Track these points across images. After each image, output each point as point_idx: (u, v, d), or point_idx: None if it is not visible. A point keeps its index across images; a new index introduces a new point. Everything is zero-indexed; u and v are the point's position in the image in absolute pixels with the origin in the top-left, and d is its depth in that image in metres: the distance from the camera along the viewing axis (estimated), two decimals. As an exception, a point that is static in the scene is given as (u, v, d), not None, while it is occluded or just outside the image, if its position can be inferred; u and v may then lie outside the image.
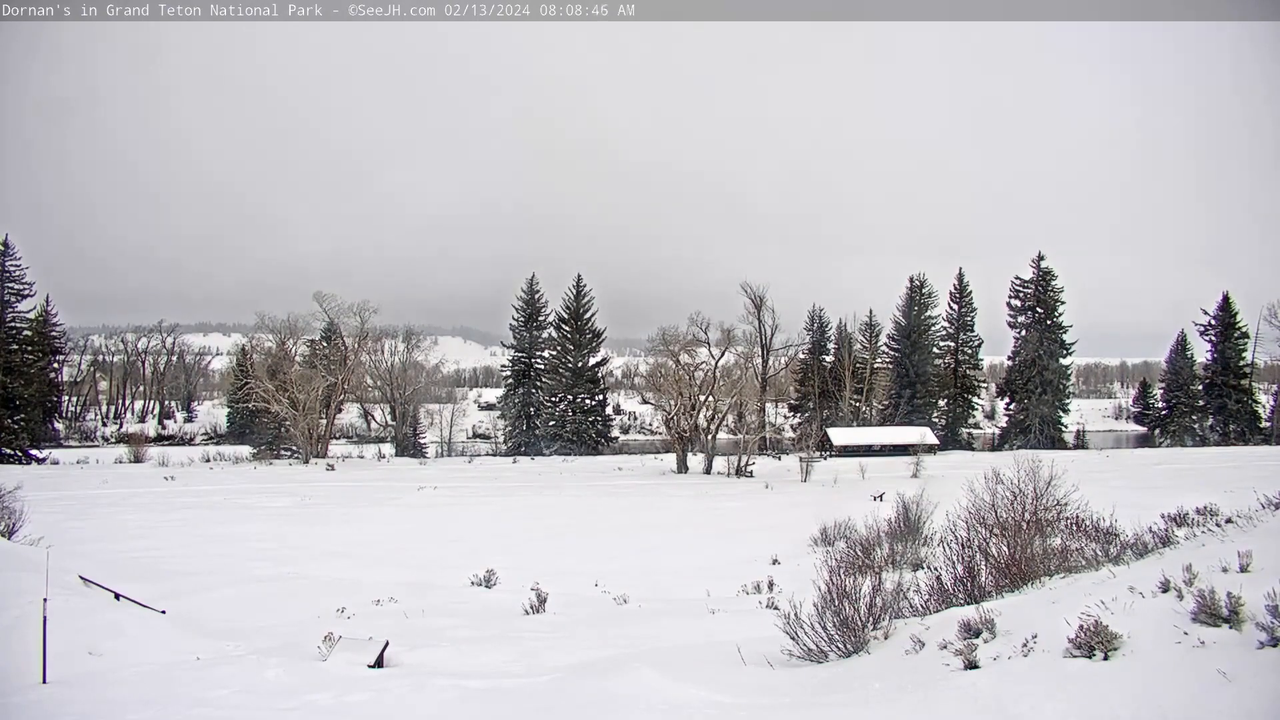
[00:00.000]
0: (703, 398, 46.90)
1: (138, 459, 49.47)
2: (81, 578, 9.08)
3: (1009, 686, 4.58)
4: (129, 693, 6.04)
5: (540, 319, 67.15)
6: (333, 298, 60.35)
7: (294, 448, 54.23)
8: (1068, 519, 11.21)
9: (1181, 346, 66.29)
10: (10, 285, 52.50)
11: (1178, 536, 7.70)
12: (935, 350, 67.34)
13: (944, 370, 67.00)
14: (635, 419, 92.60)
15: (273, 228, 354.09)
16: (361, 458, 56.52)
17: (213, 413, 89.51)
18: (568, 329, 65.94)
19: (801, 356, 68.33)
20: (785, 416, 73.07)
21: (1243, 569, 4.92)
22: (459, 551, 18.00)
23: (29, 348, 54.07)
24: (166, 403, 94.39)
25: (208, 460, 49.87)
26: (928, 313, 67.52)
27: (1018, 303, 65.01)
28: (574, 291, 66.62)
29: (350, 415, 74.27)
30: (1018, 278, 65.09)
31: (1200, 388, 64.84)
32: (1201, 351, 65.25)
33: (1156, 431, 68.69)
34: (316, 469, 45.29)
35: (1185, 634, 4.32)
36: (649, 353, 61.36)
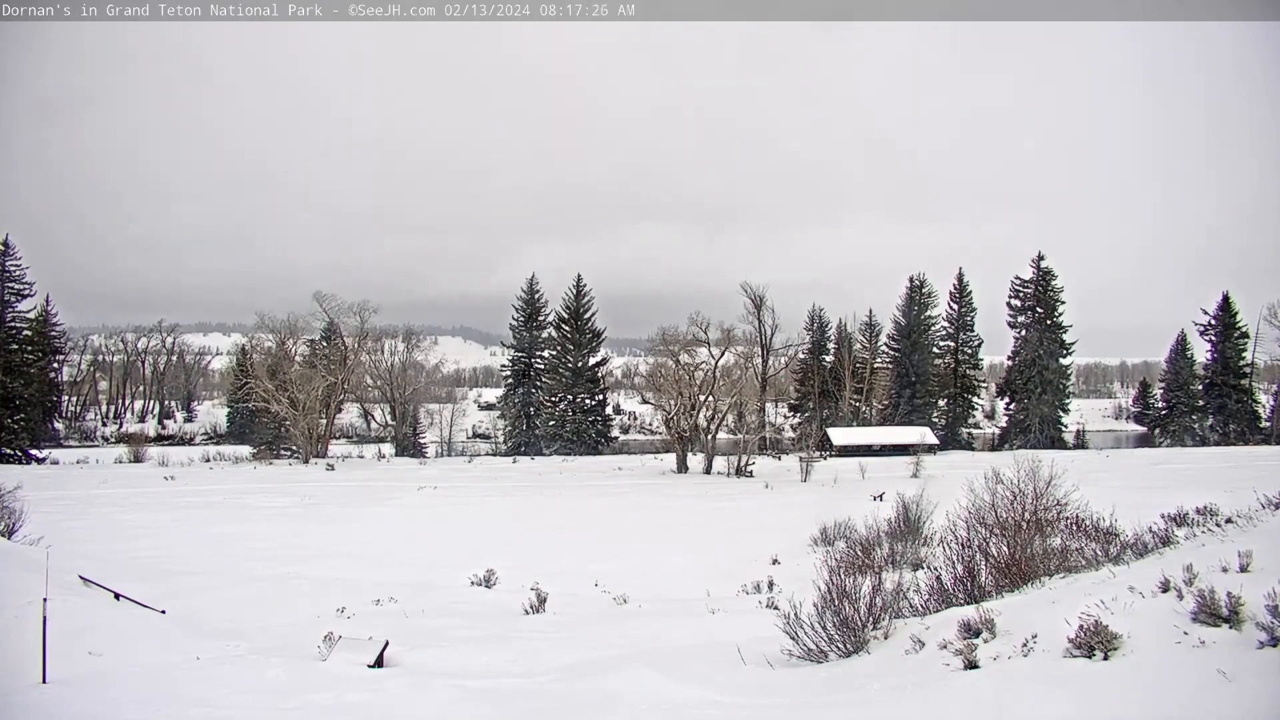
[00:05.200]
0: (703, 397, 46.87)
1: (137, 459, 49.46)
2: (81, 578, 9.09)
3: (1009, 686, 4.57)
4: (129, 693, 6.04)
5: (540, 319, 67.17)
6: (333, 297, 60.69)
7: (294, 448, 54.24)
8: (1068, 519, 11.19)
9: (1181, 346, 66.30)
10: (10, 285, 52.52)
11: (1178, 536, 7.70)
12: (935, 350, 67.37)
13: (944, 370, 67.02)
14: (635, 419, 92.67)
15: (274, 227, 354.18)
16: (361, 458, 56.51)
17: (213, 413, 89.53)
18: (568, 329, 65.94)
19: (801, 356, 68.35)
20: (785, 416, 73.13)
21: (1243, 569, 4.92)
22: (459, 551, 17.97)
23: (29, 348, 54.11)
24: (166, 403, 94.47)
25: (207, 460, 49.86)
26: (928, 312, 67.57)
27: (1018, 303, 65.06)
28: (574, 291, 66.65)
29: (350, 415, 74.28)
30: (1018, 277, 65.18)
31: (1200, 388, 64.85)
32: (1201, 351, 65.37)
33: (1156, 431, 68.72)
34: (316, 469, 45.28)
35: (1185, 634, 4.33)
36: (649, 353, 61.46)
